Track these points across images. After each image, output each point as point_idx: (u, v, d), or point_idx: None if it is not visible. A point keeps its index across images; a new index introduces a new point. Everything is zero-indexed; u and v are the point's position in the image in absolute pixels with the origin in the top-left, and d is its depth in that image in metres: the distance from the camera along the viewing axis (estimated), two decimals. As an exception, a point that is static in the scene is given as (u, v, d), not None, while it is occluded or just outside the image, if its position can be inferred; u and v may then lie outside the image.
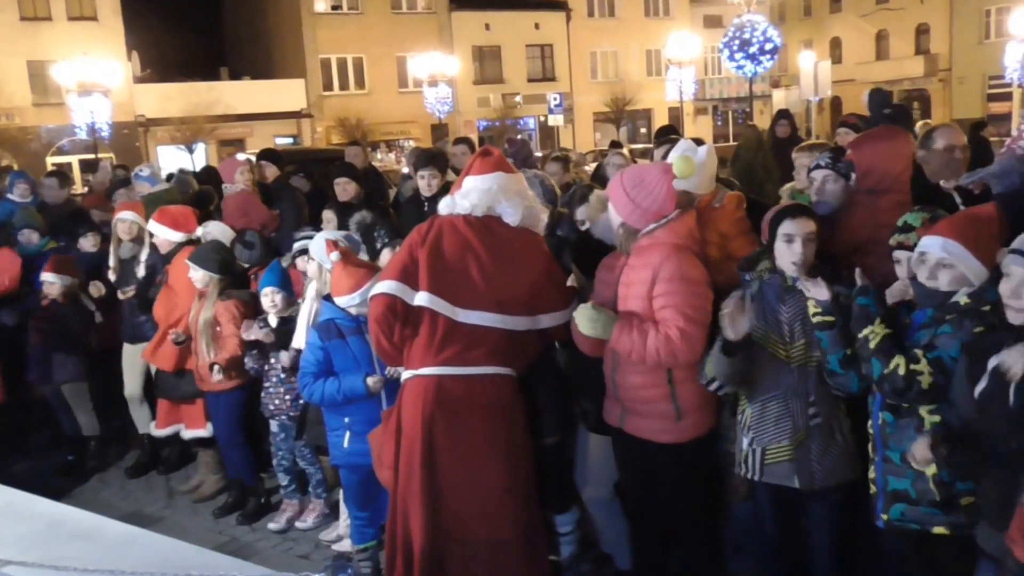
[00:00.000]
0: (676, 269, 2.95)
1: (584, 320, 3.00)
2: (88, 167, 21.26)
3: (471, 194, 3.22)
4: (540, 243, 3.38)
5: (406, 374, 3.23)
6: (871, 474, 2.72)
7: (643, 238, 3.06)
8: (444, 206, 3.30)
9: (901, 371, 2.45)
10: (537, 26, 33.83)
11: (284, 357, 4.18)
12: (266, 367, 4.39)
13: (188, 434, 5.02)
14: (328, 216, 4.93)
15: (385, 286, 3.14)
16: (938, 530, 2.53)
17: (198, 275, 4.53)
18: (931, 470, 2.48)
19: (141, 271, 5.27)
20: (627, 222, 3.08)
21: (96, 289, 5.40)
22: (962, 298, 2.47)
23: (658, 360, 2.94)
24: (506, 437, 3.16)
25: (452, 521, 3.11)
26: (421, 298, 3.10)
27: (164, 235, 4.99)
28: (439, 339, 3.11)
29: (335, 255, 3.68)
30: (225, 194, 6.30)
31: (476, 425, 3.11)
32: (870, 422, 2.70)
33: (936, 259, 2.49)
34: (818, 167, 3.40)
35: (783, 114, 9.07)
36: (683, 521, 3.21)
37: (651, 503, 3.26)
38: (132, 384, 5.43)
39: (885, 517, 2.66)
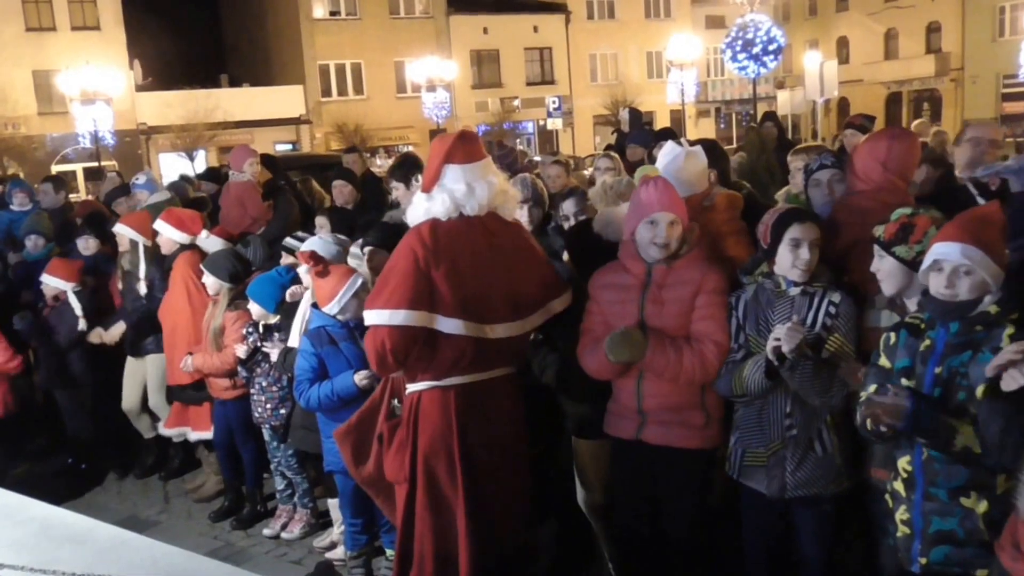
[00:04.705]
0: (718, 282, 2.99)
1: (619, 347, 2.93)
2: (91, 175, 21.38)
3: (478, 191, 2.96)
4: (523, 228, 3.27)
5: (419, 386, 3.05)
6: (901, 515, 2.48)
7: (683, 257, 3.04)
8: (441, 208, 2.96)
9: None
10: (536, 29, 33.84)
11: (272, 351, 4.19)
12: (253, 376, 4.41)
13: (194, 436, 5.06)
14: (321, 222, 4.94)
15: (401, 317, 2.86)
16: (980, 573, 2.33)
17: (209, 281, 4.57)
18: (982, 508, 2.34)
19: (142, 288, 5.24)
20: (687, 230, 3.05)
21: (97, 336, 5.34)
22: (991, 307, 2.32)
23: (692, 378, 2.95)
24: (523, 436, 3.15)
25: (494, 529, 3.02)
26: (450, 325, 2.90)
27: (168, 234, 5.00)
28: (469, 357, 2.96)
29: (302, 269, 3.71)
30: (230, 180, 6.37)
31: (502, 428, 3.06)
32: (907, 458, 2.44)
33: (954, 266, 2.33)
34: (823, 167, 3.29)
35: (769, 116, 9.08)
36: (689, 530, 3.14)
37: (657, 513, 3.19)
38: (131, 397, 5.41)
39: (924, 561, 2.43)
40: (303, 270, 3.94)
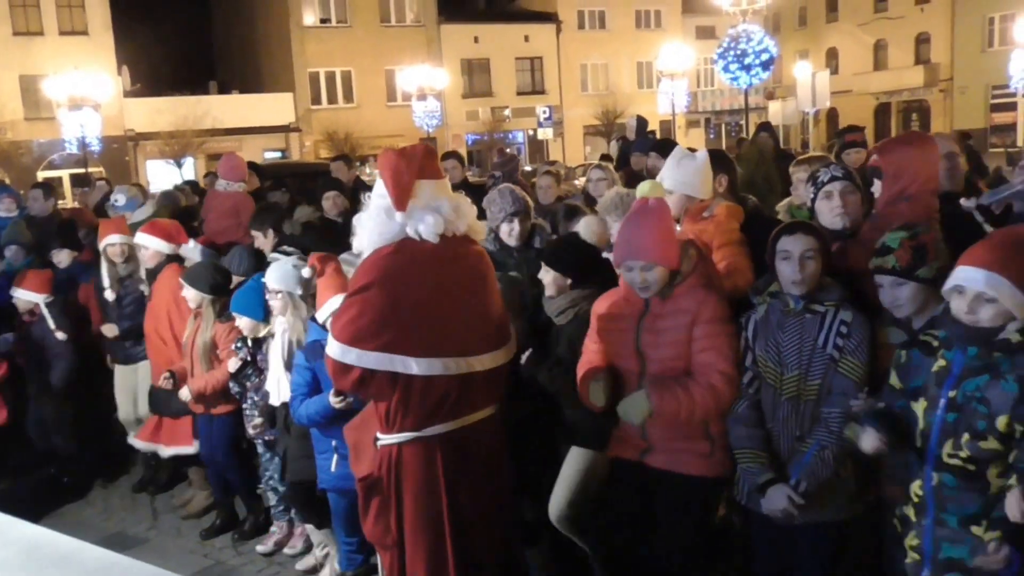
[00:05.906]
0: (716, 310, 2.88)
1: (636, 410, 2.84)
2: (79, 182, 21.19)
3: (463, 208, 2.81)
4: (485, 252, 3.09)
5: (397, 438, 2.78)
6: (911, 541, 2.41)
7: (680, 284, 2.94)
8: (430, 228, 2.72)
9: None
10: (527, 39, 33.90)
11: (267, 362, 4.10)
12: (244, 391, 4.33)
13: (167, 452, 4.94)
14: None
15: (353, 357, 2.65)
16: None
17: (190, 294, 4.47)
18: (994, 537, 2.22)
19: (146, 289, 5.13)
20: (672, 267, 2.93)
21: (110, 330, 5.22)
22: (1013, 335, 2.23)
23: (707, 411, 2.85)
24: (508, 472, 3.05)
25: (477, 554, 2.90)
26: (427, 366, 2.67)
27: (155, 247, 4.92)
28: (454, 397, 2.76)
29: (307, 271, 3.66)
30: (217, 188, 6.25)
31: (489, 472, 2.91)
32: (918, 483, 2.37)
33: (976, 293, 2.23)
34: (834, 179, 3.16)
35: (764, 127, 9.05)
36: (683, 554, 3.04)
37: (655, 537, 3.09)
38: (126, 408, 5.31)
39: None
40: (271, 296, 3.86)
